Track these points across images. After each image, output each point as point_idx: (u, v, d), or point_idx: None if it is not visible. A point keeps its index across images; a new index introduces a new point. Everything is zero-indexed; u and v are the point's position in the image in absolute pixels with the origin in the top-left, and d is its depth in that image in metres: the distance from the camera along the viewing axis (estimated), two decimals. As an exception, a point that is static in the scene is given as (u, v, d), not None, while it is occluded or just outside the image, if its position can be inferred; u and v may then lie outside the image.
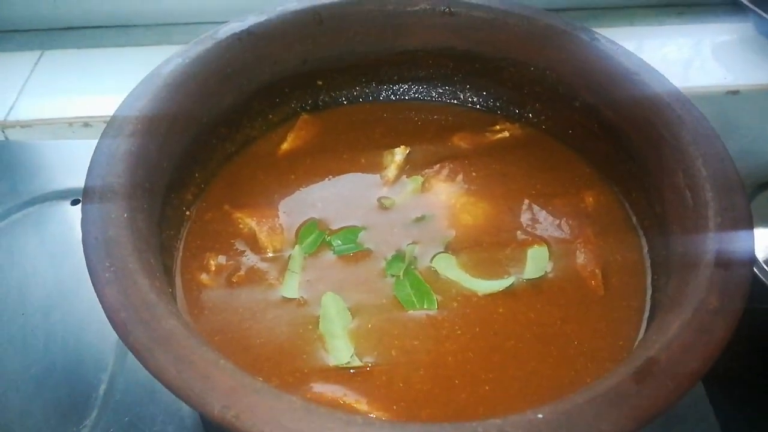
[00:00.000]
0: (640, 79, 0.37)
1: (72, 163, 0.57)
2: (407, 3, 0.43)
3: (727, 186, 0.31)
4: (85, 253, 0.28)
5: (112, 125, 0.34)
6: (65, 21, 0.73)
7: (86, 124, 0.62)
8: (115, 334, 0.42)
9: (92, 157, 0.33)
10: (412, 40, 0.44)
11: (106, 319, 0.27)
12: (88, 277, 0.47)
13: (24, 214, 0.52)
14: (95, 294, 0.27)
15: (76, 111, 0.63)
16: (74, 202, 0.53)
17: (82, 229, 0.29)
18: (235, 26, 0.39)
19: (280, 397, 0.23)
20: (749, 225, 0.29)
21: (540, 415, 0.23)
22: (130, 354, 0.42)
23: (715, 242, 0.29)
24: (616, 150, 0.40)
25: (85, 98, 0.64)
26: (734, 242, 0.28)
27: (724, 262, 0.28)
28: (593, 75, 0.39)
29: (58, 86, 0.66)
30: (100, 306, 0.45)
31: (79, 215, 0.51)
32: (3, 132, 0.62)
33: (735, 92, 0.66)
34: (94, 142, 0.60)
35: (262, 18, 0.40)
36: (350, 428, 0.22)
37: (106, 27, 0.73)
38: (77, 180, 0.53)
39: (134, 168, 0.33)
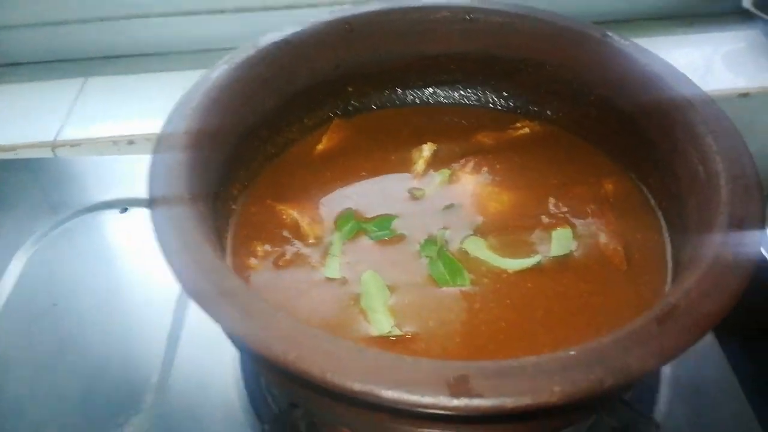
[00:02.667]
0: (651, 69, 0.40)
1: (119, 175, 0.61)
2: (430, 11, 0.46)
3: (737, 157, 0.33)
4: (154, 231, 0.31)
5: (169, 123, 0.37)
6: (107, 50, 0.78)
7: (130, 142, 0.66)
8: (164, 332, 0.46)
9: (153, 151, 0.36)
10: (434, 46, 0.47)
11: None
12: (136, 278, 0.51)
13: (76, 222, 0.56)
14: (165, 268, 0.30)
15: (121, 130, 0.67)
16: (123, 210, 0.57)
17: (150, 212, 0.32)
18: (275, 35, 0.43)
19: (335, 341, 0.26)
20: (759, 189, 0.31)
21: (572, 352, 0.25)
22: (179, 348, 0.45)
23: (728, 205, 0.31)
24: (632, 139, 0.42)
25: (128, 119, 0.69)
26: (745, 204, 0.31)
27: (737, 222, 0.30)
28: (606, 69, 0.42)
29: (102, 109, 0.71)
30: (147, 305, 0.48)
31: (128, 222, 0.56)
32: (53, 151, 0.66)
33: (745, 95, 0.69)
34: (139, 157, 0.65)
35: (298, 28, 0.44)
36: (401, 364, 0.25)
37: (145, 55, 0.78)
38: (125, 191, 0.58)
39: (190, 165, 0.36)
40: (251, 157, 0.44)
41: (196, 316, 0.48)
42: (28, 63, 0.77)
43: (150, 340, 0.47)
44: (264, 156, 0.46)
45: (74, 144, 0.66)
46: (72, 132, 0.67)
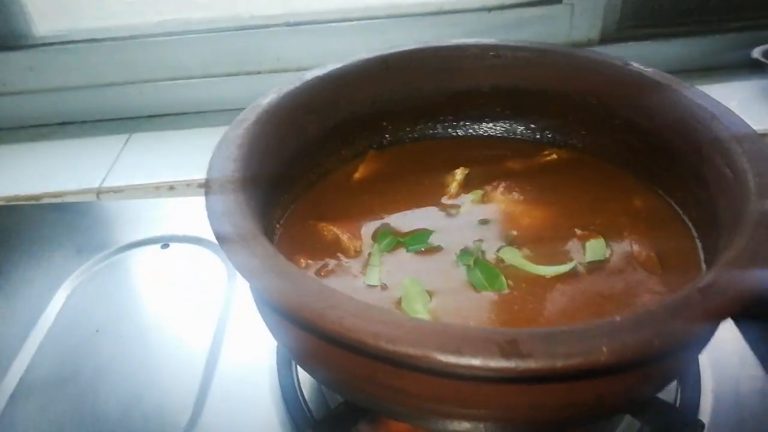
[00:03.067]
0: (672, 87, 0.42)
1: (161, 216, 0.64)
2: (460, 49, 0.50)
3: (762, 157, 0.35)
4: (211, 224, 0.33)
5: (222, 144, 0.40)
6: (149, 110, 0.83)
7: (171, 188, 0.70)
8: (202, 357, 0.47)
9: (209, 165, 0.38)
10: (464, 81, 0.51)
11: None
12: (175, 307, 0.52)
13: (119, 257, 0.58)
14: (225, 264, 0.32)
15: (162, 178, 0.71)
16: (164, 246, 0.59)
17: (207, 209, 0.34)
18: (318, 71, 0.47)
19: (388, 311, 0.27)
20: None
21: (618, 318, 0.26)
22: (217, 371, 0.46)
23: (757, 195, 0.32)
24: (657, 156, 0.44)
25: (169, 170, 0.72)
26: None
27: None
28: (628, 92, 0.45)
29: (144, 161, 0.75)
30: (186, 333, 0.49)
31: (169, 256, 0.58)
32: (98, 197, 0.69)
33: (764, 136, 0.71)
34: (179, 199, 0.68)
35: (339, 64, 0.48)
36: (452, 330, 0.26)
37: (185, 113, 0.83)
38: (167, 229, 0.61)
39: (242, 180, 0.38)
40: (293, 182, 0.47)
41: (234, 340, 0.49)
42: (77, 122, 0.82)
43: (188, 365, 0.48)
44: (304, 183, 0.48)
45: (117, 190, 0.70)
46: (116, 180, 0.71)
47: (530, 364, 0.25)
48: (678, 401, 0.40)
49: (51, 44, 0.80)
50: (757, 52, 0.75)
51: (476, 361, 0.25)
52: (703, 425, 0.36)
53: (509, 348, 0.25)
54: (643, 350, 0.25)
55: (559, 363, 0.25)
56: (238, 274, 0.54)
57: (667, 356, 0.29)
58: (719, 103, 0.40)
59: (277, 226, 0.44)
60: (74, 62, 0.80)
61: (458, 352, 0.25)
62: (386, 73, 0.49)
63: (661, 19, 0.84)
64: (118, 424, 0.44)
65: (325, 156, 0.50)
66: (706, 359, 0.43)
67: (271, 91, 0.44)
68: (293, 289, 0.28)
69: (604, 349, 0.25)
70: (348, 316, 0.26)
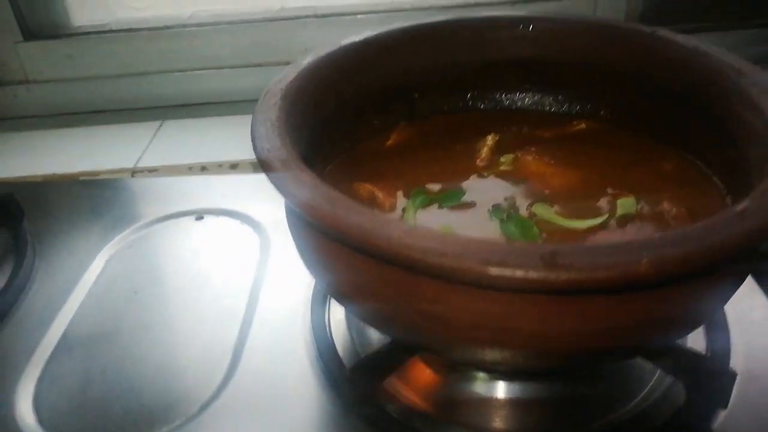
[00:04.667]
0: (699, 49, 0.43)
1: (194, 191, 0.65)
2: (491, 21, 0.51)
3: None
4: (258, 156, 0.34)
5: (267, 94, 0.41)
6: (181, 98, 0.85)
7: (203, 168, 0.72)
8: (238, 317, 0.48)
9: (255, 109, 0.40)
10: (495, 53, 0.52)
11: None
12: (210, 273, 0.53)
13: (155, 227, 0.60)
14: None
15: (194, 159, 0.73)
16: (198, 218, 0.61)
17: (255, 145, 0.35)
18: (355, 37, 0.49)
19: (435, 231, 0.28)
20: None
21: (658, 235, 0.27)
22: (252, 329, 0.47)
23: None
24: (686, 120, 0.45)
25: (201, 153, 0.75)
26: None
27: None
28: (657, 57, 0.46)
29: (177, 144, 0.77)
30: (221, 296, 0.51)
31: (203, 227, 0.59)
32: (132, 175, 0.71)
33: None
34: (212, 177, 0.69)
35: (375, 32, 0.49)
36: (497, 245, 0.27)
37: (216, 102, 0.85)
38: (200, 203, 0.62)
39: (286, 126, 0.39)
40: (328, 145, 0.48)
41: (267, 301, 0.51)
42: (112, 109, 0.85)
43: (224, 323, 0.49)
44: (339, 149, 0.50)
45: (152, 170, 0.72)
46: (150, 162, 0.73)
47: (572, 274, 0.26)
48: (708, 352, 0.40)
49: (88, 34, 0.83)
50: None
51: (520, 273, 0.26)
52: (735, 374, 0.37)
53: (551, 260, 0.26)
54: (683, 264, 0.26)
55: (600, 274, 0.26)
56: (272, 244, 0.56)
57: (704, 280, 0.29)
58: (744, 60, 0.41)
59: (313, 184, 0.46)
60: (110, 51, 0.83)
61: (502, 263, 0.26)
62: (419, 43, 0.51)
63: (683, 13, 0.85)
64: (157, 373, 0.45)
65: (358, 124, 0.51)
66: (732, 314, 0.43)
67: (308, 54, 0.46)
68: (344, 212, 0.29)
69: (644, 261, 0.26)
70: (396, 231, 0.28)
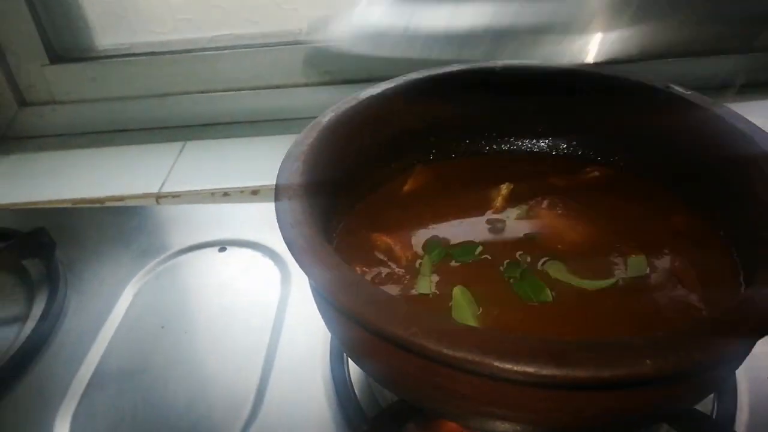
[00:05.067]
0: (710, 110, 0.44)
1: (217, 220, 0.67)
2: (504, 70, 0.52)
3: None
4: (283, 234, 0.36)
5: (287, 160, 0.43)
6: (203, 119, 0.87)
7: (225, 194, 0.74)
8: (261, 353, 0.50)
9: (276, 179, 0.41)
10: (509, 99, 0.53)
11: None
12: (235, 306, 0.56)
13: (180, 259, 0.62)
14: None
15: (217, 184, 0.75)
16: (221, 249, 0.63)
17: (278, 219, 0.37)
18: (373, 90, 0.50)
19: (448, 320, 0.30)
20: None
21: (660, 333, 0.28)
22: (275, 366, 0.49)
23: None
24: (696, 177, 0.46)
25: (223, 176, 0.77)
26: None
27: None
28: (670, 115, 0.47)
29: (200, 167, 0.79)
30: (245, 330, 0.53)
31: (226, 259, 0.62)
32: (157, 201, 0.74)
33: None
34: (234, 205, 0.71)
35: (392, 84, 0.51)
36: (508, 338, 0.28)
37: (236, 122, 0.87)
38: (223, 233, 0.65)
39: (306, 192, 0.41)
40: (347, 195, 0.50)
41: (289, 336, 0.53)
42: (135, 130, 0.87)
43: (248, 359, 0.51)
44: (357, 195, 0.51)
45: (175, 195, 0.74)
46: (174, 186, 0.75)
47: (579, 373, 0.27)
48: (714, 413, 0.42)
49: (112, 57, 0.85)
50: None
51: (530, 369, 0.28)
52: (738, 436, 0.38)
53: (560, 357, 0.28)
54: (684, 365, 0.27)
55: (605, 373, 0.27)
56: (292, 278, 0.58)
57: (707, 370, 0.31)
58: (754, 124, 0.42)
59: (334, 235, 0.48)
60: (133, 73, 0.85)
61: (514, 359, 0.28)
62: (434, 93, 0.52)
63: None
64: (185, 411, 0.47)
65: (377, 169, 0.53)
66: (742, 373, 0.45)
67: (329, 110, 0.48)
68: (362, 299, 0.31)
69: (648, 362, 0.27)
70: (413, 323, 0.29)
